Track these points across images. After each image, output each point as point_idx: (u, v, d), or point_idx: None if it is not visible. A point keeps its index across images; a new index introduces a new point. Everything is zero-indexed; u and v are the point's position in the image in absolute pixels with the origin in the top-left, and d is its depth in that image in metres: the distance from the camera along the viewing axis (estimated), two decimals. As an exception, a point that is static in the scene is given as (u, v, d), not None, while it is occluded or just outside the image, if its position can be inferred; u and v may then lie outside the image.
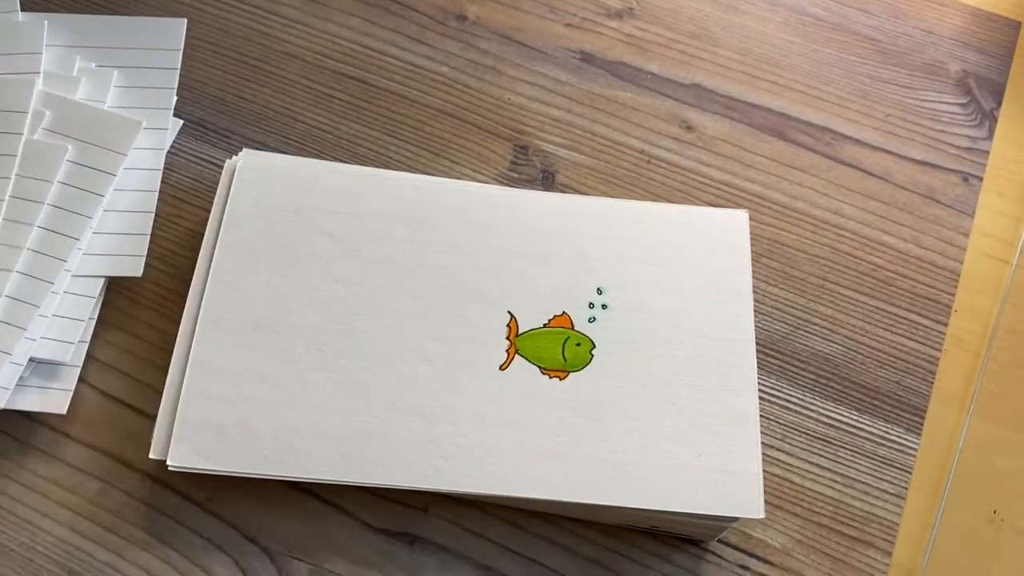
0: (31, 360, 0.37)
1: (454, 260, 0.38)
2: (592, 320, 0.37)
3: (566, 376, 0.36)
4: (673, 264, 0.39)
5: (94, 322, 0.39)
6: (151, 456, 0.33)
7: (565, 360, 0.36)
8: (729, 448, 0.35)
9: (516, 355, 0.36)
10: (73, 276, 0.39)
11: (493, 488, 0.34)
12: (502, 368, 0.36)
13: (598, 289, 0.38)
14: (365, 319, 0.36)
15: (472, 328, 0.36)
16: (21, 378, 0.36)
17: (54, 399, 0.37)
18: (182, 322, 0.36)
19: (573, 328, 0.37)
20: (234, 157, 0.39)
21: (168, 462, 0.33)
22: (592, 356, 0.36)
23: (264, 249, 0.37)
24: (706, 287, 0.38)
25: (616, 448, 0.34)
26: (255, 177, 0.39)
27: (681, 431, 0.35)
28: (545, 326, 0.37)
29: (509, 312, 0.37)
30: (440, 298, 0.37)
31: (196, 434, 0.34)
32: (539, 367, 0.36)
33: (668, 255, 0.39)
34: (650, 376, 0.36)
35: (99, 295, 0.39)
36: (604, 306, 0.38)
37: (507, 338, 0.36)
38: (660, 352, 0.37)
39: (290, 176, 0.39)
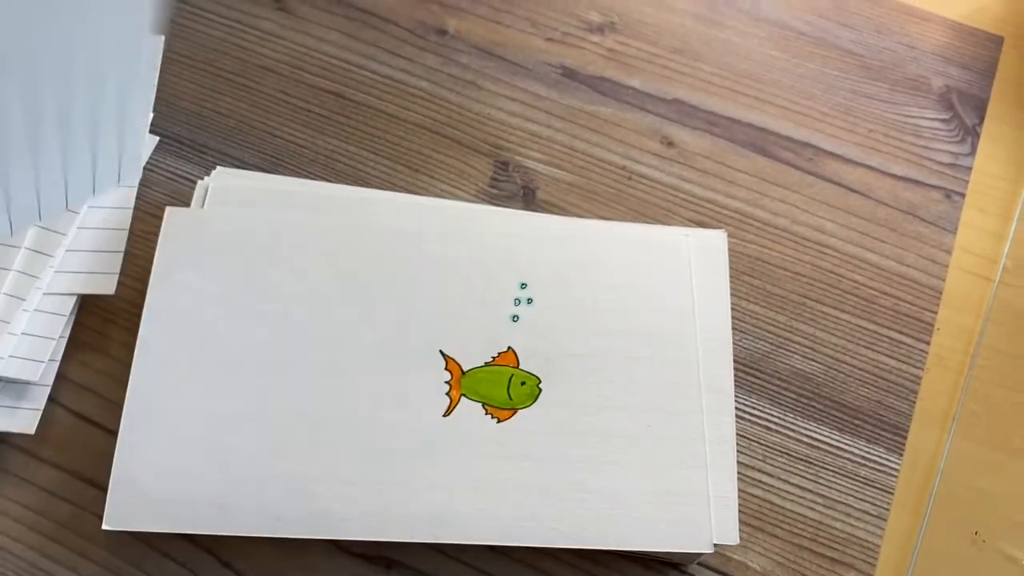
0: (-1, 380, 0.36)
1: (394, 315, 0.37)
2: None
3: (511, 415, 0.35)
4: (620, 300, 0.38)
5: (65, 341, 0.38)
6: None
7: (510, 399, 0.36)
8: (679, 486, 0.34)
9: (461, 396, 0.35)
10: (44, 294, 0.38)
11: (438, 536, 0.33)
12: (446, 414, 0.35)
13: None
14: (308, 376, 0.35)
15: (414, 376, 0.36)
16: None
17: (22, 419, 0.36)
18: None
19: (518, 366, 0.36)
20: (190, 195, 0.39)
21: (103, 526, 0.33)
22: (539, 392, 0.36)
23: (191, 310, 0.36)
24: (654, 323, 0.37)
25: (560, 492, 0.34)
26: (181, 232, 0.38)
27: (628, 471, 0.34)
28: (488, 364, 0.36)
29: (449, 355, 0.36)
30: (380, 353, 0.36)
31: (130, 494, 0.33)
32: (484, 406, 0.35)
33: (614, 292, 0.38)
34: (596, 415, 0.35)
35: (71, 313, 0.38)
36: None
37: (449, 381, 0.36)
38: (606, 390, 0.36)
39: (220, 228, 0.38)
